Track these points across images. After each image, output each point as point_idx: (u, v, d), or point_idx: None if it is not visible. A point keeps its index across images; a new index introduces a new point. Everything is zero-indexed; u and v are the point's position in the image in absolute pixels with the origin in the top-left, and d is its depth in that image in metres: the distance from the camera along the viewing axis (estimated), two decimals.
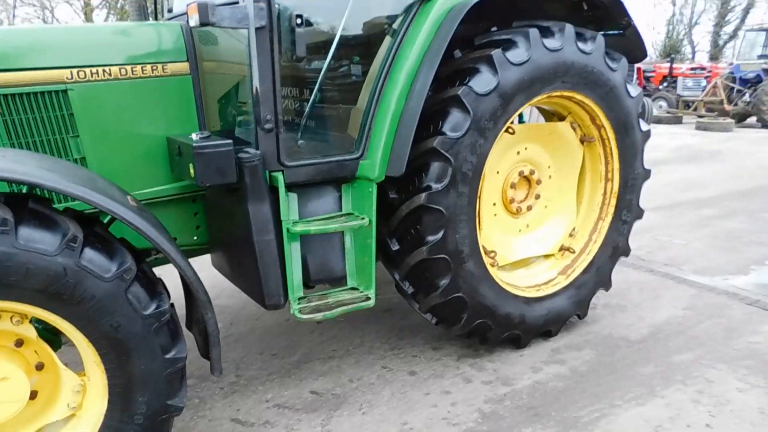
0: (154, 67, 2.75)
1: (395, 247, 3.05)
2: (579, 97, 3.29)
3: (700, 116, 16.90)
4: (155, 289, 2.18)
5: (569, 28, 3.11)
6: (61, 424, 2.22)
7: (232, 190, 2.69)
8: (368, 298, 2.82)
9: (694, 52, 40.00)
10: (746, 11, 36.44)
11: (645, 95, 19.43)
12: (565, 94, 3.24)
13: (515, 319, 3.34)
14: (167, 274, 2.49)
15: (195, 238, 3.14)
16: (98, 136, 2.68)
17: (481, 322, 3.21)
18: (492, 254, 3.35)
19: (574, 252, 3.69)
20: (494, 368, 3.29)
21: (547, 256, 3.72)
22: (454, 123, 2.84)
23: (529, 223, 3.63)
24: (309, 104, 2.83)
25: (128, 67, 2.70)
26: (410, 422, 2.81)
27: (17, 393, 2.07)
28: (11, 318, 2.04)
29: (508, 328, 3.34)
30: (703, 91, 18.10)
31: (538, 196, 3.58)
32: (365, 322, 3.86)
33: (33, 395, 2.17)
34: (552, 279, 3.61)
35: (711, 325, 3.78)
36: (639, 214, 3.84)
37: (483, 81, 2.86)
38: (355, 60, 3.04)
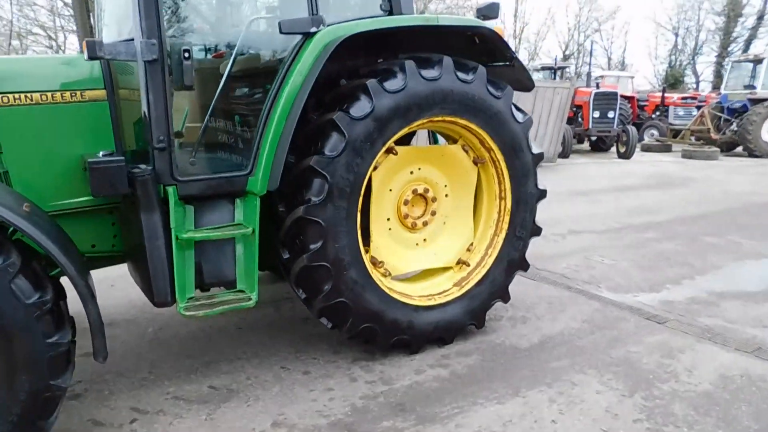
0: (73, 94, 3.15)
1: (285, 255, 3.39)
2: (462, 121, 3.64)
3: (689, 144, 17.18)
4: (40, 282, 2.54)
5: (447, 60, 3.47)
6: None
7: (132, 201, 3.06)
8: (250, 299, 3.16)
9: (697, 82, 40.37)
10: (748, 42, 36.87)
11: (636, 124, 19.81)
12: (448, 119, 3.59)
13: (402, 324, 3.64)
14: None
15: (113, 246, 3.49)
16: (20, 154, 3.06)
17: (366, 326, 3.52)
18: (381, 264, 3.68)
19: (469, 265, 4.00)
20: (381, 370, 3.58)
21: (445, 269, 4.03)
22: (331, 144, 3.19)
23: (426, 237, 3.96)
24: (203, 126, 3.22)
25: (48, 94, 3.10)
26: (286, 413, 3.10)
27: None
28: None
29: (395, 333, 3.63)
30: None
31: (434, 213, 3.91)
32: (281, 330, 4.18)
33: None
34: (446, 290, 3.91)
35: (599, 336, 4.04)
36: (535, 231, 4.14)
37: (359, 107, 3.23)
38: (249, 88, 3.43)
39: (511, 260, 4.05)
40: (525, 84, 4.08)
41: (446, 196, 3.95)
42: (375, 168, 3.52)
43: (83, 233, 3.29)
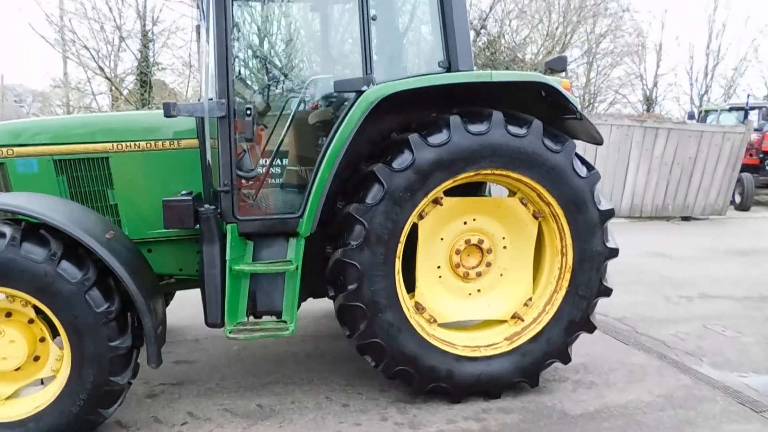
0: (171, 142, 3.83)
1: (331, 293, 3.67)
2: (515, 175, 3.63)
3: None
4: (110, 295, 3.14)
5: (497, 114, 3.52)
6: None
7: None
8: (287, 329, 3.47)
9: None
10: None
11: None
12: (498, 172, 3.60)
13: (441, 372, 3.67)
14: None
15: (197, 270, 4.09)
16: (127, 190, 3.80)
17: (401, 369, 3.62)
18: (424, 310, 3.76)
19: (523, 320, 3.89)
20: (415, 414, 3.64)
21: (500, 322, 3.96)
22: (372, 193, 3.42)
23: (481, 288, 3.95)
24: (264, 172, 3.67)
25: (152, 142, 3.81)
26: None
27: (21, 352, 3.15)
28: (20, 302, 3.13)
29: (433, 380, 3.67)
30: None
31: (489, 264, 3.90)
32: (344, 362, 4.43)
33: (36, 358, 3.25)
34: (495, 343, 3.84)
35: (669, 415, 3.62)
36: (603, 291, 3.89)
37: (400, 159, 3.43)
38: (310, 139, 3.81)
39: (572, 320, 3.85)
40: (595, 137, 3.91)
41: (504, 248, 3.92)
42: (421, 217, 3.66)
43: (172, 258, 3.92)
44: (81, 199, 3.77)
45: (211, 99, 3.39)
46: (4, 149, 3.64)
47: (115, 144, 3.75)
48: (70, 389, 3.14)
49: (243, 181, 3.69)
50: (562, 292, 3.85)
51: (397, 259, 3.56)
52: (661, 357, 4.57)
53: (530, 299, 3.95)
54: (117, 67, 15.46)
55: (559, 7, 16.34)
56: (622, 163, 11.72)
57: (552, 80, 3.63)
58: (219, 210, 3.48)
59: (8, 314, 3.20)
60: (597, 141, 3.94)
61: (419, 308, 3.76)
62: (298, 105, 3.71)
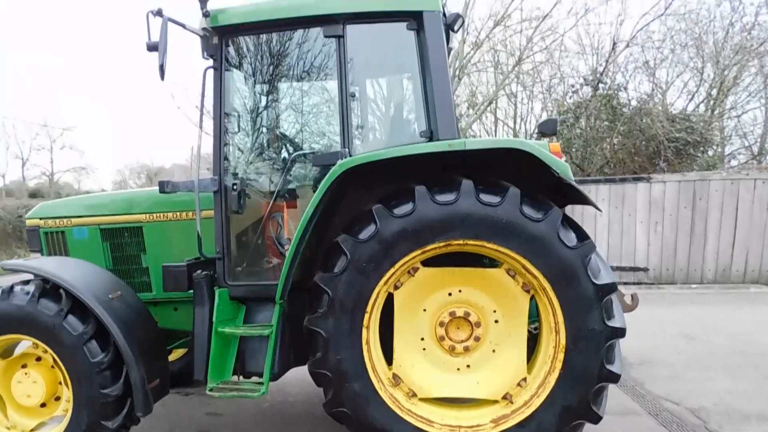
0: (194, 213, 4.31)
1: (309, 357, 3.75)
2: (491, 246, 3.43)
3: None
4: (107, 348, 3.59)
5: (467, 183, 3.40)
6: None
7: None
8: (256, 392, 3.62)
9: None
10: None
11: None
12: (471, 242, 3.44)
13: None
14: None
15: None
16: (156, 254, 4.35)
17: None
18: (400, 382, 3.64)
19: (513, 402, 3.56)
20: None
21: (491, 401, 3.68)
22: (337, 263, 3.50)
23: (471, 363, 3.72)
24: (252, 241, 3.95)
25: (178, 213, 4.34)
26: None
27: (40, 392, 3.72)
28: (42, 349, 3.73)
29: None
30: None
31: (478, 338, 3.68)
32: None
33: (57, 398, 3.82)
34: (479, 425, 3.56)
35: None
36: (607, 376, 3.42)
37: (365, 230, 3.47)
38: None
39: (567, 407, 3.44)
40: (591, 204, 3.56)
41: (496, 322, 3.68)
42: (396, 287, 3.62)
43: (187, 315, 4.33)
44: (120, 263, 4.40)
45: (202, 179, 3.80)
46: (65, 220, 4.42)
47: (147, 215, 4.35)
48: (71, 428, 3.62)
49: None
50: (556, 374, 3.47)
51: (364, 329, 3.54)
52: None
53: (524, 379, 3.62)
54: None
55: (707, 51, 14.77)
56: None
57: (529, 144, 3.42)
58: (214, 275, 3.82)
59: (38, 359, 3.83)
60: (593, 206, 3.57)
61: (397, 380, 3.66)
62: (285, 180, 3.98)
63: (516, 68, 14.18)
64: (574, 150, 13.20)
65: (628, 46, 14.05)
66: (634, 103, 13.54)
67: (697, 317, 8.12)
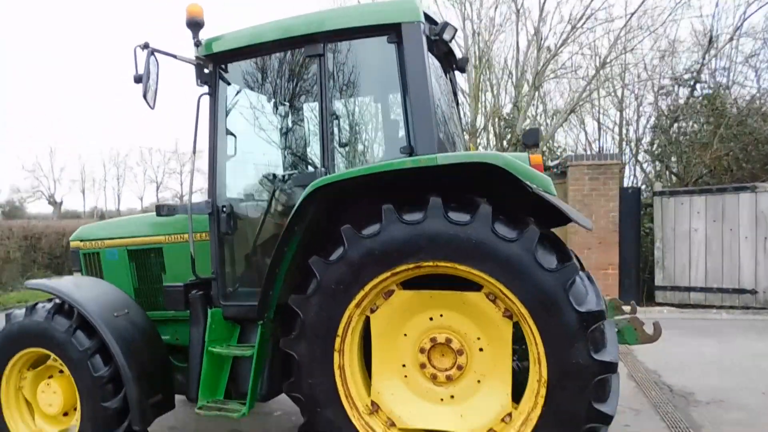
0: (200, 235, 4.45)
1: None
2: (463, 268, 3.20)
3: None
4: (109, 362, 3.83)
5: (434, 200, 3.20)
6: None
7: None
8: (236, 412, 3.64)
9: None
10: None
11: None
12: (442, 264, 3.23)
13: None
14: None
15: None
16: (174, 274, 4.58)
17: None
18: (378, 410, 3.48)
19: None
20: None
21: None
22: (310, 285, 3.45)
23: (455, 394, 3.48)
24: (241, 263, 4.02)
25: (194, 234, 4.54)
26: None
27: (59, 401, 4.04)
28: (56, 360, 4.05)
29: None
30: None
31: (461, 367, 3.43)
32: None
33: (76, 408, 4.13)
34: None
35: None
36: (597, 417, 3.03)
37: (335, 251, 3.39)
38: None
39: None
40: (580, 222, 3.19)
41: (481, 350, 3.42)
42: (372, 311, 3.50)
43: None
44: (144, 282, 4.68)
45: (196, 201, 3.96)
46: (99, 242, 4.81)
47: (166, 236, 4.60)
48: None
49: None
50: (538, 411, 3.14)
51: (336, 353, 3.44)
52: None
53: (509, 414, 3.30)
54: None
55: None
56: None
57: (501, 157, 3.15)
58: (203, 295, 3.95)
59: (61, 371, 4.17)
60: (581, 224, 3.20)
61: (374, 408, 3.51)
62: (276, 201, 4.01)
63: (602, 72, 13.22)
64: (673, 159, 11.98)
65: (732, 39, 12.51)
66: (742, 102, 11.99)
67: None
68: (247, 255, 4.16)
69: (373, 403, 3.53)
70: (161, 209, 4.07)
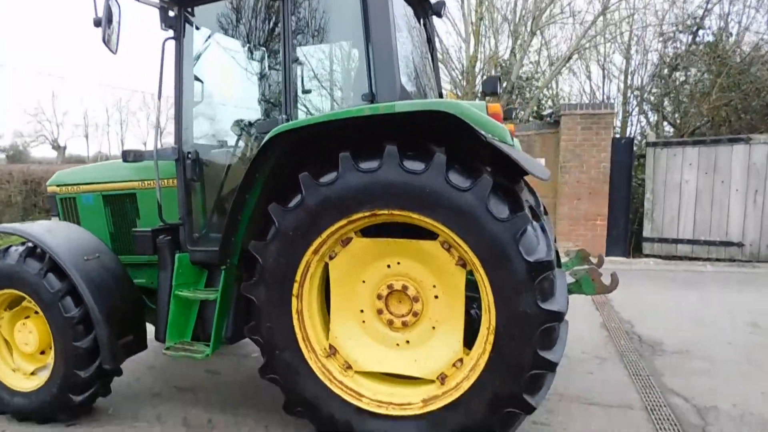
0: (168, 181, 4.48)
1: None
2: (417, 217, 3.23)
3: None
4: (80, 303, 3.93)
5: (391, 148, 3.19)
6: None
7: None
8: (200, 353, 3.77)
9: None
10: None
11: None
12: (397, 213, 3.26)
13: (339, 423, 3.46)
14: None
15: None
16: (148, 220, 4.63)
17: (299, 410, 3.55)
18: (335, 354, 3.58)
19: (443, 384, 3.38)
20: None
21: (427, 380, 3.51)
22: (269, 231, 3.50)
23: (411, 340, 3.57)
24: (207, 209, 4.06)
25: (165, 180, 4.57)
26: None
27: (34, 340, 4.18)
28: (30, 301, 4.16)
29: (331, 429, 3.49)
30: None
31: (416, 314, 3.51)
32: None
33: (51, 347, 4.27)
34: (409, 403, 3.44)
35: None
36: (543, 365, 3.12)
37: (294, 198, 3.42)
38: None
39: (497, 394, 3.20)
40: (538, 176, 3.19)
41: (436, 297, 3.49)
42: (331, 257, 3.55)
43: None
44: (120, 227, 4.74)
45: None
46: (74, 187, 4.85)
47: (140, 182, 4.63)
48: (52, 375, 4.05)
49: None
50: (486, 357, 3.23)
51: (294, 298, 3.52)
52: None
53: (460, 360, 3.40)
54: None
55: None
56: None
57: (455, 105, 3.12)
58: (170, 240, 4.02)
59: (36, 312, 4.29)
60: (536, 175, 3.20)
61: (332, 352, 3.62)
62: (241, 147, 4.01)
63: (607, 16, 12.79)
64: (669, 109, 11.72)
65: None
66: (746, 49, 11.60)
67: None
68: (214, 201, 4.19)
69: (330, 346, 3.64)
70: (128, 155, 4.08)
